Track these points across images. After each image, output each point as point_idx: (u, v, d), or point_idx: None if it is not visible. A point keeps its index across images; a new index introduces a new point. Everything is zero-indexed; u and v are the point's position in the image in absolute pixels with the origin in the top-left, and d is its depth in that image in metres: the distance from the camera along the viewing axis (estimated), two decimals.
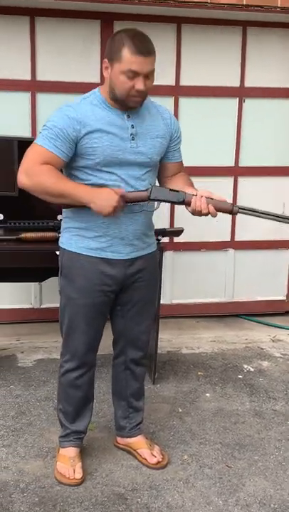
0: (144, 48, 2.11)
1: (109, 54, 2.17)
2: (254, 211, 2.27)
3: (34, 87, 3.88)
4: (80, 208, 2.22)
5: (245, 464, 2.62)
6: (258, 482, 2.49)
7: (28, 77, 3.87)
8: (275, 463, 2.63)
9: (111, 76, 2.17)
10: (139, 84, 2.13)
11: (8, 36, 3.80)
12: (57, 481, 2.44)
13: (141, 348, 2.56)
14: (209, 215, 2.24)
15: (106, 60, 2.18)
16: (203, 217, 2.28)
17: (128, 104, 2.19)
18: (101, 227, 2.27)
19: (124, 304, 2.46)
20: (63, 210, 2.38)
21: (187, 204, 2.24)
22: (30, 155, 2.20)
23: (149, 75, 2.15)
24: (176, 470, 2.55)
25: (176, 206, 4.15)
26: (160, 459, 2.56)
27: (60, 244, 2.39)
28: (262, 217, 2.30)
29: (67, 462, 2.48)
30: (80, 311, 2.36)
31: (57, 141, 2.16)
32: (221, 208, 2.24)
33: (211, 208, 2.21)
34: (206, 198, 2.22)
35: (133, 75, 2.11)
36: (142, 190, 2.23)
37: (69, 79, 3.89)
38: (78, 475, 2.45)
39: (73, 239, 2.32)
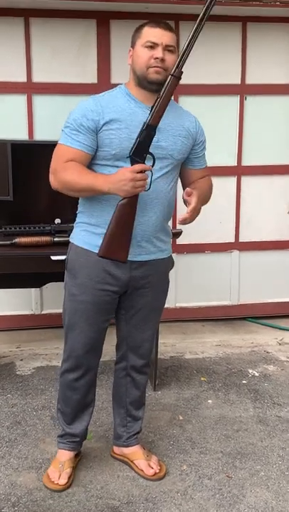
0: (162, 23, 2.17)
1: (132, 41, 2.21)
2: None
3: (30, 88, 3.81)
4: (92, 204, 2.21)
5: (246, 473, 2.51)
6: (260, 493, 2.39)
7: (24, 79, 3.80)
8: (277, 472, 2.52)
9: (133, 57, 2.18)
10: (158, 53, 2.12)
11: (2, 38, 3.73)
12: (43, 485, 2.39)
13: (143, 355, 2.48)
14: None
15: (130, 48, 2.21)
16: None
17: (148, 78, 2.14)
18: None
19: (127, 308, 2.38)
20: (79, 204, 2.33)
21: (153, 123, 2.12)
22: (56, 155, 2.20)
23: (169, 49, 2.14)
24: (174, 481, 2.45)
25: (177, 207, 4.07)
26: (157, 470, 2.47)
27: (69, 239, 2.36)
28: None
29: (57, 466, 2.43)
30: (79, 308, 2.30)
31: (78, 135, 2.14)
32: None
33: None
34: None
35: (152, 45, 2.12)
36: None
37: (65, 80, 3.82)
38: (62, 481, 2.38)
39: (82, 234, 2.28)
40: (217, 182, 4.03)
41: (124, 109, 2.17)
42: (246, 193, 4.22)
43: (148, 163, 2.13)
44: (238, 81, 4.05)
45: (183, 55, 2.10)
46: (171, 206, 2.33)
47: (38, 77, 3.81)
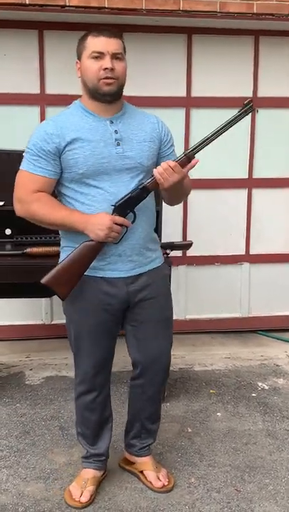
0: (106, 31, 2.10)
1: (77, 53, 2.16)
2: (204, 141, 2.16)
3: (43, 100, 3.85)
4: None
5: (255, 487, 2.49)
6: (268, 507, 2.37)
7: (38, 91, 3.84)
8: (286, 486, 2.50)
9: (81, 70, 2.14)
10: (106, 63, 2.07)
11: (17, 50, 3.78)
12: (64, 502, 2.36)
13: (158, 371, 2.41)
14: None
15: (77, 60, 2.16)
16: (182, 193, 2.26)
17: (101, 90, 2.10)
18: None
19: (133, 322, 2.33)
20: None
21: (150, 187, 2.12)
22: (20, 182, 2.15)
23: (117, 57, 2.10)
24: (182, 494, 2.44)
25: (188, 218, 4.09)
26: (166, 483, 2.45)
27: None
28: (214, 137, 2.19)
29: (80, 483, 2.41)
30: (83, 332, 2.27)
31: (40, 161, 2.10)
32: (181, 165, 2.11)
33: (177, 168, 2.07)
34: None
35: (98, 55, 2.07)
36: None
37: (78, 92, 3.81)
38: (84, 498, 2.35)
39: None
40: (228, 194, 4.14)
41: (82, 126, 2.12)
42: (257, 205, 4.23)
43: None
44: (250, 94, 4.07)
45: (203, 143, 2.12)
46: (153, 212, 2.29)
47: (51, 89, 3.85)
